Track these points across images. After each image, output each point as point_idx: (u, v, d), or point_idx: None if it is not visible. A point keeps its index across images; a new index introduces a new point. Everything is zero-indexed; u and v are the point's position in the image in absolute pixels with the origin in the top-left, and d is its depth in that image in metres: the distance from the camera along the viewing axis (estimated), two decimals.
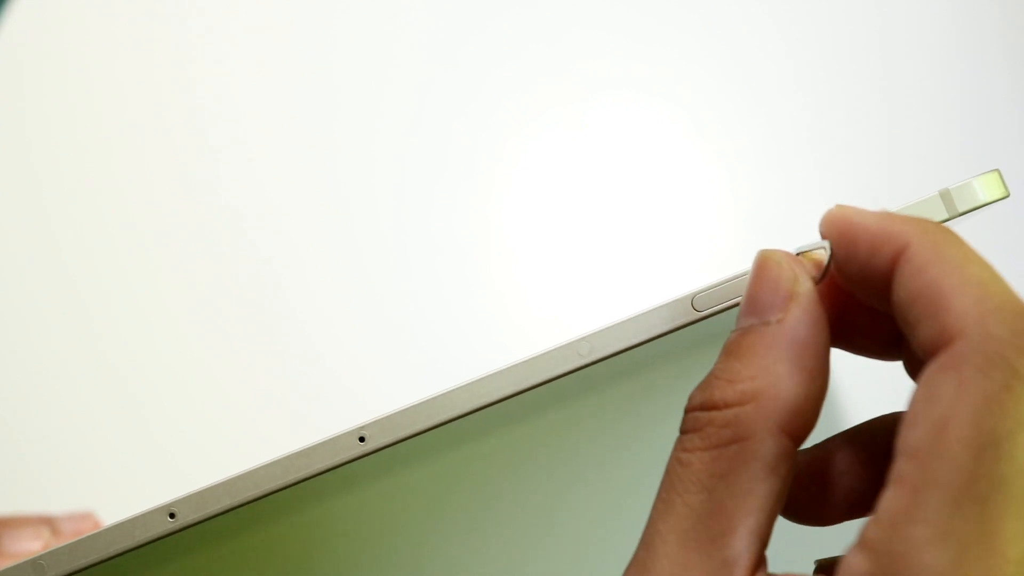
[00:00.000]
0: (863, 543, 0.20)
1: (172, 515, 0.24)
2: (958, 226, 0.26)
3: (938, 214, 0.25)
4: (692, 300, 0.25)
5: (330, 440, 0.24)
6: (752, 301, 0.23)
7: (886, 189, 0.49)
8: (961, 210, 0.25)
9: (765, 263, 0.23)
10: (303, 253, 0.50)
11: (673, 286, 0.49)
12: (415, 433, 0.24)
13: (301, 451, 0.24)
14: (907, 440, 0.20)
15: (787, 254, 0.24)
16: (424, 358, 0.48)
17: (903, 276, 0.21)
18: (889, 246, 0.22)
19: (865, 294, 0.23)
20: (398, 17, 0.52)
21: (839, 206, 0.23)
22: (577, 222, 0.49)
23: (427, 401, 0.24)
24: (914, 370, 0.24)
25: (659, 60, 0.51)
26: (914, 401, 0.20)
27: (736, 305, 0.24)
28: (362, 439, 0.24)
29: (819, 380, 0.22)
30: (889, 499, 0.20)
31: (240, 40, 0.52)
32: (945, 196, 0.25)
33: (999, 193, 0.25)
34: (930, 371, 0.20)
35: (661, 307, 0.25)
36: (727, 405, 0.22)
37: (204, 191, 0.50)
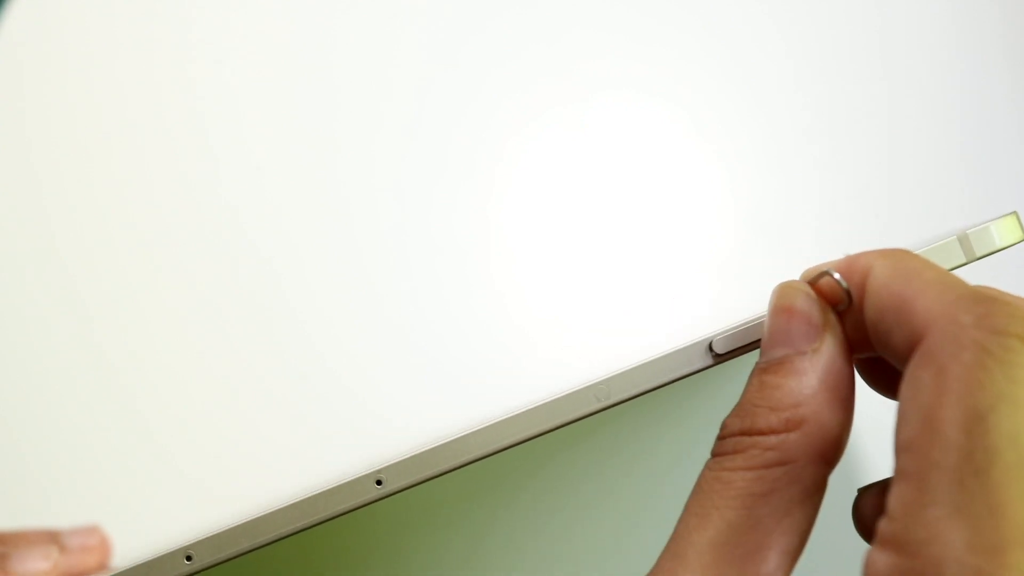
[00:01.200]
0: (881, 540, 0.20)
1: (189, 558, 0.24)
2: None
3: (956, 258, 0.25)
4: (710, 344, 0.25)
5: (347, 484, 0.24)
6: (783, 333, 0.23)
7: (886, 189, 0.49)
8: (979, 254, 0.25)
9: (793, 295, 0.24)
10: (303, 253, 0.49)
11: (673, 286, 0.49)
12: (432, 476, 0.24)
13: (319, 494, 0.24)
14: (901, 437, 0.21)
15: (807, 286, 0.24)
16: (424, 358, 0.48)
17: (870, 298, 0.23)
18: (856, 276, 0.23)
19: (857, 334, 0.24)
20: (398, 17, 0.51)
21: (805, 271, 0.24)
22: (577, 222, 0.49)
23: (444, 445, 0.24)
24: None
25: (659, 60, 0.51)
26: (901, 402, 0.21)
27: (753, 348, 0.25)
28: (379, 482, 0.24)
29: (851, 409, 0.23)
30: (897, 494, 0.20)
31: (240, 40, 0.52)
32: (963, 240, 0.25)
33: (1016, 237, 0.25)
34: (909, 371, 0.21)
35: (679, 351, 0.25)
36: (772, 431, 0.22)
37: (204, 191, 0.50)
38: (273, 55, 0.51)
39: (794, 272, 0.28)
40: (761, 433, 0.23)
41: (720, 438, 0.23)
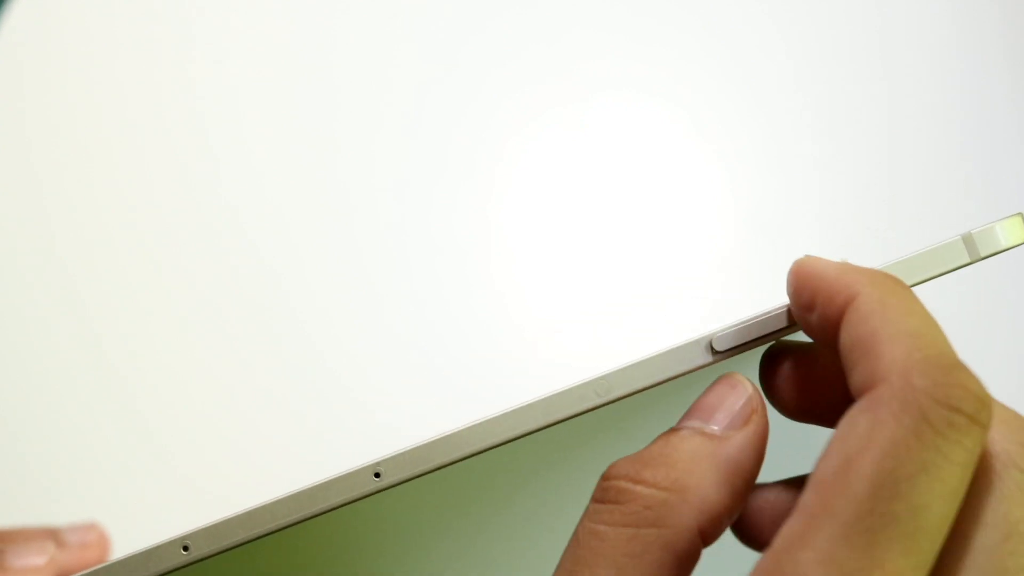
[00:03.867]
0: (757, 568, 0.20)
1: (186, 548, 0.24)
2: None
3: (960, 258, 0.25)
4: (711, 341, 0.25)
5: (345, 475, 0.24)
6: (709, 408, 0.24)
7: (886, 189, 0.49)
8: (983, 254, 0.25)
9: (734, 382, 0.24)
10: (303, 253, 0.50)
11: (673, 286, 0.49)
12: (430, 469, 0.24)
13: (317, 486, 0.24)
14: (816, 473, 0.21)
15: (751, 385, 0.24)
16: (424, 358, 0.48)
17: (848, 323, 0.22)
18: (841, 296, 0.23)
19: (823, 342, 0.24)
20: (398, 17, 0.52)
21: (807, 256, 0.24)
22: (577, 222, 0.49)
23: (443, 438, 0.24)
24: None
25: (659, 60, 0.51)
26: (832, 437, 0.21)
27: (754, 345, 0.25)
28: (377, 475, 0.24)
29: (740, 501, 0.23)
30: (786, 526, 0.20)
31: (240, 40, 0.52)
32: (967, 240, 0.25)
33: (1021, 238, 0.25)
34: (851, 410, 0.21)
35: (679, 348, 0.25)
36: (656, 486, 0.22)
37: (204, 191, 0.50)
38: (273, 55, 0.51)
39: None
40: (644, 483, 0.22)
41: (604, 478, 0.23)
